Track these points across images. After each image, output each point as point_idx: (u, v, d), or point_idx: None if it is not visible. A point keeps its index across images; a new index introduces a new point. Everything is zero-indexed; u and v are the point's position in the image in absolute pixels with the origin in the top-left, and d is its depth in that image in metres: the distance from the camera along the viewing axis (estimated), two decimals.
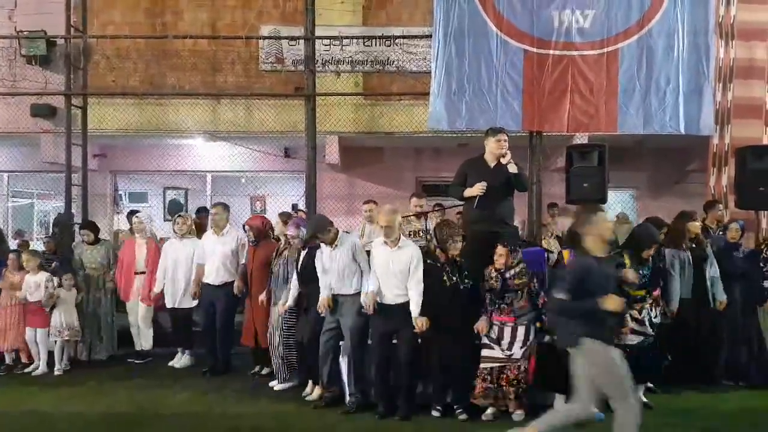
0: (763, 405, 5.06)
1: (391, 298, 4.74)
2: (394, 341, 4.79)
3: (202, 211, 8.61)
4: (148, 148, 10.21)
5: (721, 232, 6.07)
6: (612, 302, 3.51)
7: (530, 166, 6.51)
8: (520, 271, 4.62)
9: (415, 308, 4.61)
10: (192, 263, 6.23)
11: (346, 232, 5.57)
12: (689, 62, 6.36)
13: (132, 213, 8.41)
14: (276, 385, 5.53)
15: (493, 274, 4.66)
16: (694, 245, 5.44)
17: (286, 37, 8.80)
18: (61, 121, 8.49)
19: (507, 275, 4.59)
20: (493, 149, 5.22)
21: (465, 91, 6.37)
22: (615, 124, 6.38)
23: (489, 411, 4.63)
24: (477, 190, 5.09)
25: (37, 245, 10.32)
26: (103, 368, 6.28)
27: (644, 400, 4.83)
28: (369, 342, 4.92)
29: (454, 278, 4.65)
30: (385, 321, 4.76)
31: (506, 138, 5.24)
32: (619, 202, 10.67)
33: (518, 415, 4.52)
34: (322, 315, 5.00)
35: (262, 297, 5.72)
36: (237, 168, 10.42)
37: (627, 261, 4.75)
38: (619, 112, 6.35)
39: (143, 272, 6.50)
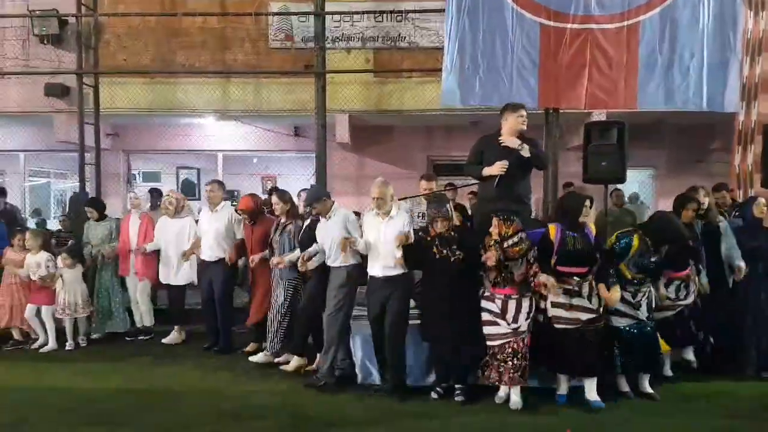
0: None
1: (380, 270, 4.75)
2: None
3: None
4: (159, 127, 10.19)
5: (736, 213, 5.82)
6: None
7: (546, 145, 6.32)
8: (519, 240, 4.47)
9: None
10: (183, 241, 6.32)
11: (356, 212, 5.48)
12: (715, 34, 6.07)
13: (153, 191, 8.45)
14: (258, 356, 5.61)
15: (492, 244, 4.50)
16: (704, 222, 5.23)
17: (295, 13, 8.63)
18: (73, 101, 8.51)
19: (505, 245, 4.45)
20: (513, 126, 5.06)
21: (479, 67, 6.17)
22: (635, 101, 6.15)
23: (501, 393, 4.57)
24: (497, 169, 4.94)
25: (54, 224, 10.46)
26: (110, 344, 6.38)
27: (648, 390, 4.69)
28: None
29: (444, 251, 4.57)
30: (375, 295, 4.78)
31: (526, 114, 5.08)
32: (637, 181, 10.45)
33: (515, 403, 4.46)
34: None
35: (256, 256, 5.80)
36: (247, 147, 10.37)
37: (636, 242, 4.60)
38: (639, 88, 6.11)
39: (137, 248, 6.54)
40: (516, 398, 4.49)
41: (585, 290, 4.48)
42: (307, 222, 5.43)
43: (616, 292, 4.49)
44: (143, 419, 4.26)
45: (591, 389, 4.50)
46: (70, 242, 7.26)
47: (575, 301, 4.46)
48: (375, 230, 4.81)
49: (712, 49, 6.09)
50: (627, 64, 6.12)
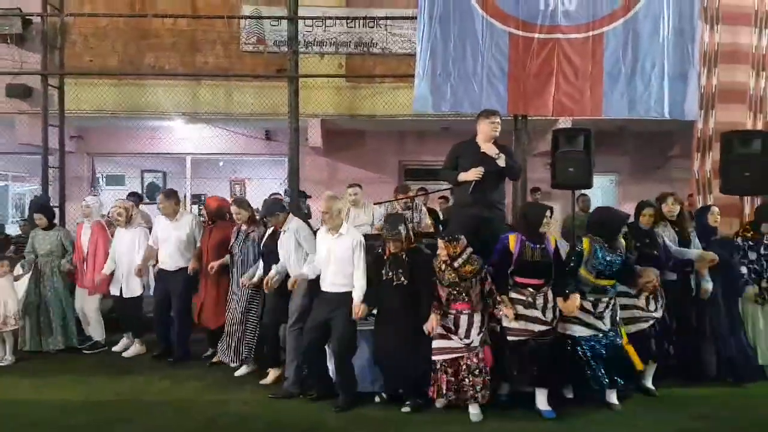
0: None
1: (328, 285, 4.70)
2: None
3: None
4: (126, 130, 10.01)
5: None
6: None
7: (515, 151, 6.46)
8: (468, 259, 4.45)
9: (357, 294, 4.59)
10: (134, 251, 6.08)
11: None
12: (675, 46, 6.35)
13: (132, 194, 8.23)
14: (237, 369, 5.50)
15: (443, 267, 4.46)
16: (677, 230, 5.23)
17: (268, 17, 8.62)
18: (36, 102, 8.30)
19: (456, 264, 4.43)
20: (487, 131, 5.13)
21: (450, 73, 6.29)
22: (600, 108, 6.36)
23: (474, 411, 4.45)
24: (473, 174, 4.98)
25: (13, 228, 10.15)
26: (71, 356, 6.13)
27: (613, 401, 4.61)
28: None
29: (391, 273, 4.53)
30: (320, 308, 4.74)
31: (500, 120, 5.16)
32: (599, 187, 10.74)
33: (475, 415, 4.40)
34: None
35: (213, 264, 5.67)
36: (217, 150, 10.27)
37: (586, 245, 4.53)
38: (604, 96, 6.33)
39: (86, 259, 6.28)
40: (475, 411, 4.43)
41: (539, 302, 4.44)
42: (269, 232, 5.38)
43: (574, 300, 4.42)
44: (114, 431, 4.17)
45: (542, 399, 4.48)
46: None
47: (529, 312, 4.43)
48: (325, 246, 4.76)
49: (672, 60, 6.36)
50: (592, 72, 6.34)
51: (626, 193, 10.28)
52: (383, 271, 4.58)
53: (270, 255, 5.21)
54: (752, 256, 5.39)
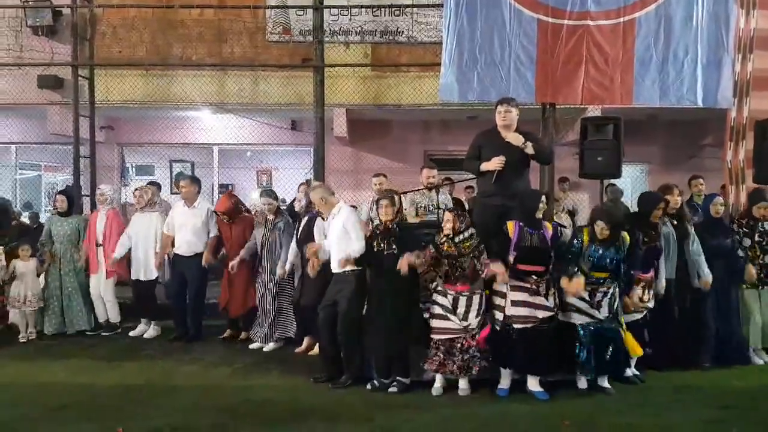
0: None
1: (334, 266, 4.89)
2: None
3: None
4: (154, 120, 10.15)
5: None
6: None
7: (542, 139, 6.38)
8: (469, 236, 4.55)
9: (349, 250, 4.75)
10: (153, 236, 6.30)
11: (353, 206, 5.53)
12: (708, 32, 6.15)
13: (152, 184, 8.38)
14: (265, 346, 5.88)
15: (443, 240, 4.55)
16: (676, 222, 5.21)
17: (294, 6, 8.64)
18: (67, 93, 8.45)
19: (457, 239, 4.52)
20: (497, 121, 5.11)
21: (477, 62, 6.20)
22: (630, 96, 6.21)
23: (438, 384, 4.62)
24: (495, 164, 4.95)
25: (46, 217, 10.39)
26: (105, 340, 6.33)
27: (605, 385, 4.66)
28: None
29: (382, 244, 4.67)
30: (331, 288, 4.96)
31: (509, 110, 5.08)
32: (630, 177, 10.56)
33: (463, 390, 4.55)
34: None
35: (234, 262, 5.99)
36: (243, 141, 10.35)
37: (585, 237, 4.60)
38: (634, 84, 6.17)
39: (102, 244, 6.44)
40: (464, 385, 4.57)
41: (542, 289, 4.50)
42: (305, 220, 5.59)
43: (578, 283, 4.48)
44: (143, 414, 4.23)
45: (534, 381, 4.56)
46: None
47: (534, 299, 4.49)
48: (326, 232, 5.09)
49: (705, 47, 6.17)
50: (623, 60, 6.18)
51: (657, 183, 9.95)
52: (374, 244, 4.72)
53: (305, 242, 5.40)
54: (747, 243, 5.44)
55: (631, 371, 4.88)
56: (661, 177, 10.04)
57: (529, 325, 4.47)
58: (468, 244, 4.51)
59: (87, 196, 7.99)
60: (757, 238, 5.43)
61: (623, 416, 4.23)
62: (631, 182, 10.56)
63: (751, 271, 5.31)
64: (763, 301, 5.43)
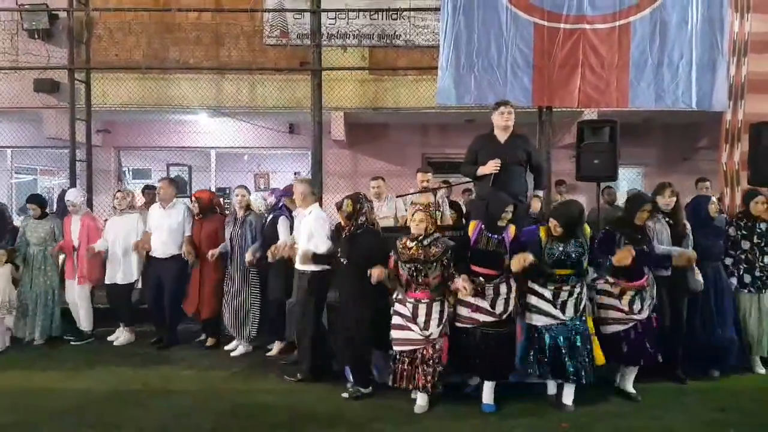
0: None
1: (297, 262, 5.04)
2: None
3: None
4: (151, 124, 10.14)
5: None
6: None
7: (539, 143, 6.42)
8: (435, 240, 4.40)
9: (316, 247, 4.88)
10: (134, 238, 6.25)
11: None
12: (703, 36, 6.23)
13: (146, 188, 8.41)
14: (233, 350, 5.93)
15: (411, 244, 4.38)
16: (671, 222, 4.97)
17: (291, 10, 8.65)
18: (64, 96, 8.42)
19: (425, 242, 4.38)
20: (498, 123, 5.12)
21: (474, 65, 6.25)
22: (626, 100, 6.27)
23: (421, 402, 4.42)
24: (490, 168, 4.98)
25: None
26: (101, 346, 6.26)
27: (567, 403, 4.42)
28: None
29: (340, 248, 4.69)
30: (294, 284, 5.20)
31: (510, 110, 5.10)
32: (626, 179, 10.61)
33: (420, 407, 4.39)
34: None
35: (214, 251, 5.92)
36: (241, 144, 10.36)
37: (542, 235, 4.44)
38: (630, 88, 6.24)
39: (77, 249, 6.33)
40: (422, 402, 4.41)
41: (489, 293, 4.37)
42: (270, 217, 5.76)
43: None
44: (142, 420, 4.22)
45: (487, 392, 4.44)
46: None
47: (475, 301, 4.37)
48: (297, 226, 5.29)
49: (700, 50, 6.24)
50: (618, 63, 6.24)
51: (653, 185, 10.06)
52: (339, 249, 4.74)
53: (272, 239, 5.55)
54: (745, 245, 5.30)
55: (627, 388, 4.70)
56: (658, 179, 9.97)
57: (469, 326, 4.40)
58: (434, 250, 4.35)
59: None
60: (755, 240, 5.28)
61: (623, 419, 4.25)
62: (628, 185, 10.61)
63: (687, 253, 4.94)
64: (763, 308, 5.24)
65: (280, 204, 5.87)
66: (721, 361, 5.09)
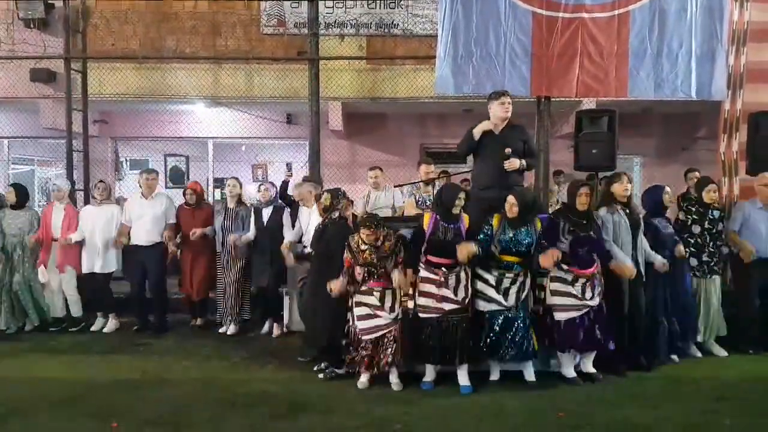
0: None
1: None
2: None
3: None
4: (148, 114, 10.10)
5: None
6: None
7: (537, 133, 6.41)
8: (387, 234, 4.52)
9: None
10: (114, 228, 6.35)
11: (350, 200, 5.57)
12: (702, 25, 6.19)
13: (147, 171, 8.34)
14: (227, 329, 6.27)
15: (364, 247, 4.48)
16: (628, 210, 4.98)
17: None
18: (60, 86, 8.38)
19: (378, 243, 4.49)
20: (497, 113, 5.08)
21: (472, 54, 6.22)
22: (625, 89, 6.24)
23: (363, 378, 4.61)
24: (486, 124, 5.02)
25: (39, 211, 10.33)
26: (97, 336, 6.31)
27: (528, 379, 4.62)
28: None
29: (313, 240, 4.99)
30: None
31: (510, 101, 5.09)
32: (624, 169, 10.58)
33: (396, 384, 4.58)
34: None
35: (196, 230, 6.26)
36: (238, 134, 10.32)
37: (495, 222, 4.54)
38: (629, 77, 6.21)
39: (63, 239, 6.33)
40: (395, 379, 4.60)
41: (452, 281, 4.47)
42: (271, 209, 6.16)
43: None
44: (140, 409, 4.23)
45: (462, 375, 4.56)
46: None
47: (440, 291, 4.46)
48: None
49: (699, 39, 6.21)
50: (617, 52, 6.21)
51: (651, 175, 10.13)
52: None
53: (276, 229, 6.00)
54: (696, 229, 5.45)
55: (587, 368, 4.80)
56: (656, 169, 10.14)
57: (434, 316, 4.48)
58: (387, 245, 4.49)
59: (81, 190, 7.94)
60: (707, 225, 5.41)
61: (619, 408, 4.26)
62: None
63: (681, 248, 5.17)
64: (709, 290, 5.44)
65: (279, 196, 6.30)
66: (673, 346, 5.21)
